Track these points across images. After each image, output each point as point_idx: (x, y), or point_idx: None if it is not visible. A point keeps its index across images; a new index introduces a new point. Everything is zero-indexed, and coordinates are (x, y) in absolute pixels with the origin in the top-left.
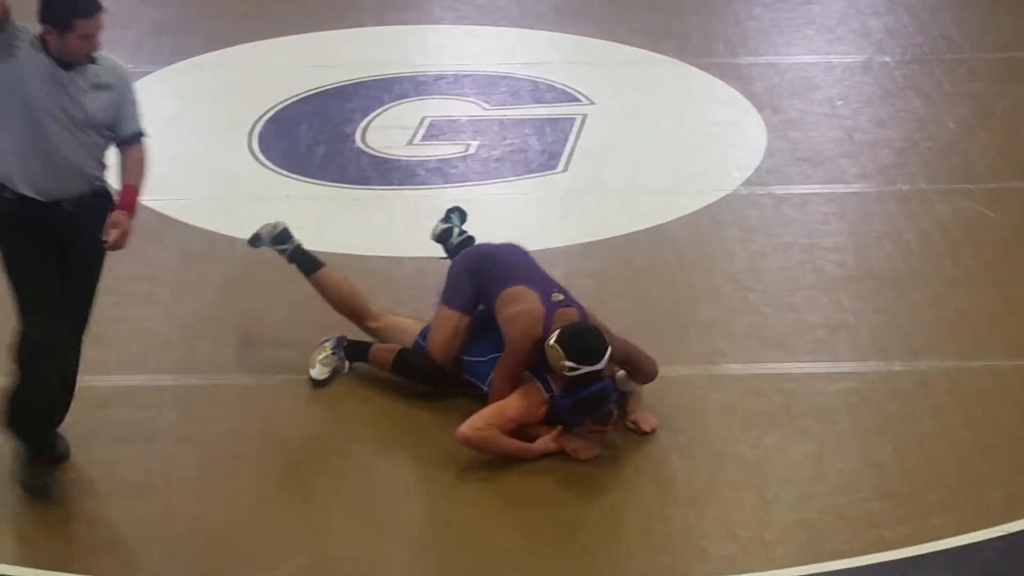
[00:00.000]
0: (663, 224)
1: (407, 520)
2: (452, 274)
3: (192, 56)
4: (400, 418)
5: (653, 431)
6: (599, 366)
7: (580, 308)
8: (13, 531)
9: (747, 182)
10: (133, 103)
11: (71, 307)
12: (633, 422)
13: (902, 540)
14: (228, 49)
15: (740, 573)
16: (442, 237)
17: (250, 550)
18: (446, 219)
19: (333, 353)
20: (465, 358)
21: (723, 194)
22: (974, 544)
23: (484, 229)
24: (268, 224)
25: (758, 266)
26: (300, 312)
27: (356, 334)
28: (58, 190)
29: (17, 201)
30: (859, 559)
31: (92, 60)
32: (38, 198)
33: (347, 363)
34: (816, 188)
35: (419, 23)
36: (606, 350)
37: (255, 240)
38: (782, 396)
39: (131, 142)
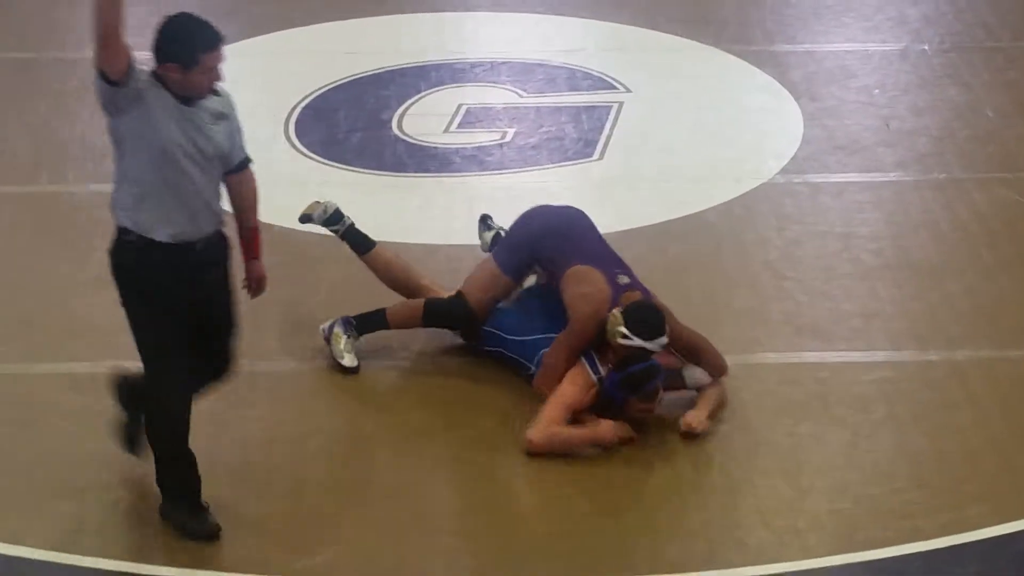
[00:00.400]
0: (699, 212)
1: (442, 506)
2: (511, 234)
3: (231, 42)
4: (434, 403)
5: (692, 432)
6: (652, 344)
7: (645, 290)
8: (52, 517)
9: (783, 170)
10: (240, 128)
11: (211, 346)
12: (687, 424)
13: (937, 530)
14: (267, 35)
15: (774, 562)
16: (495, 242)
17: (287, 537)
18: (487, 226)
19: (348, 336)
20: (512, 337)
21: (759, 182)
22: (1010, 534)
23: None
24: (319, 204)
25: (794, 254)
26: (339, 297)
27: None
28: (194, 231)
29: (146, 247)
30: (894, 549)
31: (215, 92)
32: (172, 242)
33: (361, 339)
34: (853, 177)
35: (456, 10)
36: (663, 331)
37: (305, 218)
38: (817, 385)
39: (241, 169)
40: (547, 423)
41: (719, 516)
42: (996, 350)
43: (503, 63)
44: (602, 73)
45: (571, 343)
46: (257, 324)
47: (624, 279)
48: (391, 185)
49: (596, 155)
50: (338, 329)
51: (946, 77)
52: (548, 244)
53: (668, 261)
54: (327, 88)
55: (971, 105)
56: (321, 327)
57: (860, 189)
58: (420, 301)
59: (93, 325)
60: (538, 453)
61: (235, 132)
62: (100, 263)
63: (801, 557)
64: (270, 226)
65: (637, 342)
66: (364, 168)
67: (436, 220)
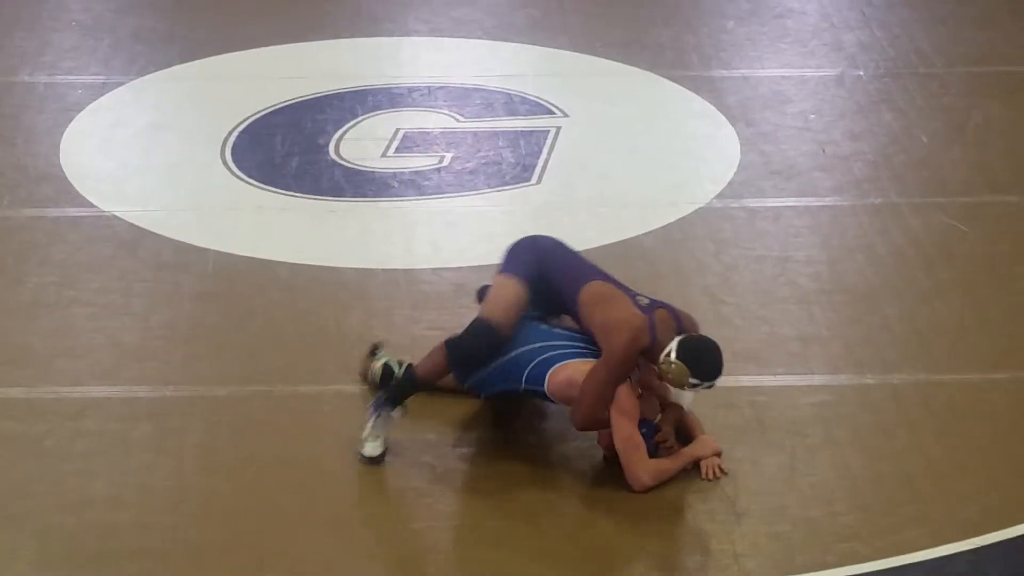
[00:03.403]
0: (636, 237)
1: (383, 536)
2: (514, 252)
3: (167, 67)
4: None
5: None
6: (716, 383)
7: (669, 308)
8: (19, 551)
9: (720, 195)
10: None
11: None
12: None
13: (875, 553)
14: (203, 60)
15: None
16: (384, 372)
17: (224, 563)
18: (375, 356)
19: (377, 416)
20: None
21: (696, 207)
22: (946, 556)
23: (458, 241)
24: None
25: (731, 279)
26: (274, 323)
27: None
28: None
29: None
30: (832, 572)
31: None
32: None
33: (399, 409)
34: (789, 201)
35: (393, 35)
36: (722, 366)
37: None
38: (754, 409)
39: None
40: (642, 462)
41: (655, 540)
42: (932, 374)
43: (440, 87)
44: (539, 98)
45: (614, 373)
46: (193, 349)
47: (643, 299)
48: (329, 210)
49: (534, 180)
50: (369, 412)
51: (882, 103)
52: (559, 258)
53: None
54: (263, 113)
55: (906, 130)
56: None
57: (797, 214)
58: (440, 344)
59: (29, 351)
60: (648, 489)
61: None
62: (34, 288)
63: None
64: (207, 251)
65: (704, 386)
66: (301, 193)
67: (374, 245)
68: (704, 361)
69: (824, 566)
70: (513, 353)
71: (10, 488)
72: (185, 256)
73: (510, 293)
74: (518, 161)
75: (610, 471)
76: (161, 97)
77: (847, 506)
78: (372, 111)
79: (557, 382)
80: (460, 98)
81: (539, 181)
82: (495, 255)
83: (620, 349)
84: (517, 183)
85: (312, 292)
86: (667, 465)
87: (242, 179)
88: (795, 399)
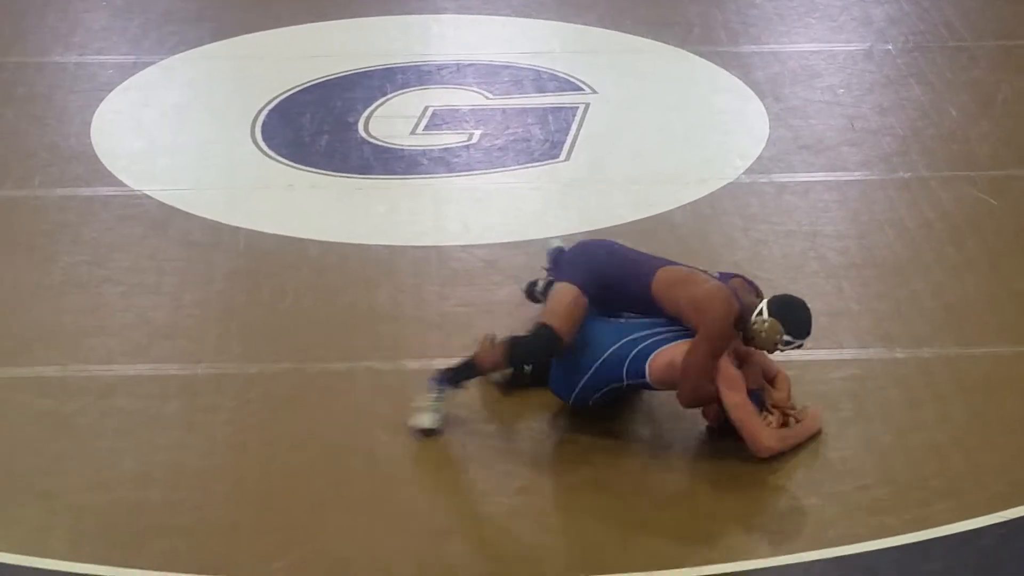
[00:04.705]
0: (666, 212)
1: (413, 513)
2: (569, 259)
3: (197, 46)
4: (406, 408)
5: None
6: (807, 340)
7: (742, 276)
8: (19, 521)
9: (749, 170)
10: None
11: None
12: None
13: (904, 526)
14: (233, 39)
15: (747, 559)
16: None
17: (253, 540)
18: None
19: (440, 392)
20: (590, 363)
21: (725, 182)
22: (976, 530)
23: (487, 218)
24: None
25: (760, 254)
26: (305, 301)
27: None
28: None
29: None
30: (863, 545)
31: None
32: None
33: (456, 389)
34: (818, 176)
35: (422, 12)
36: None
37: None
38: None
39: None
40: (763, 427)
41: (689, 515)
42: (962, 347)
43: (469, 65)
44: (568, 75)
45: (714, 345)
46: (224, 327)
47: (713, 275)
48: (358, 187)
49: (563, 156)
50: (431, 387)
51: (910, 76)
52: (618, 261)
53: None
54: (293, 91)
55: (935, 104)
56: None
57: (825, 188)
58: (505, 339)
59: (60, 329)
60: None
61: None
62: (65, 268)
63: (772, 555)
64: (237, 229)
65: (797, 343)
66: (331, 171)
67: (403, 222)
68: (797, 317)
69: (855, 539)
70: (604, 355)
71: (42, 466)
72: (216, 234)
73: (570, 299)
74: (547, 138)
75: (657, 452)
76: (191, 76)
77: (877, 479)
78: (401, 89)
79: (659, 368)
80: (489, 75)
81: (568, 158)
82: (524, 231)
83: (717, 320)
84: (546, 160)
85: (342, 270)
86: (790, 431)
87: (272, 157)
88: (825, 373)
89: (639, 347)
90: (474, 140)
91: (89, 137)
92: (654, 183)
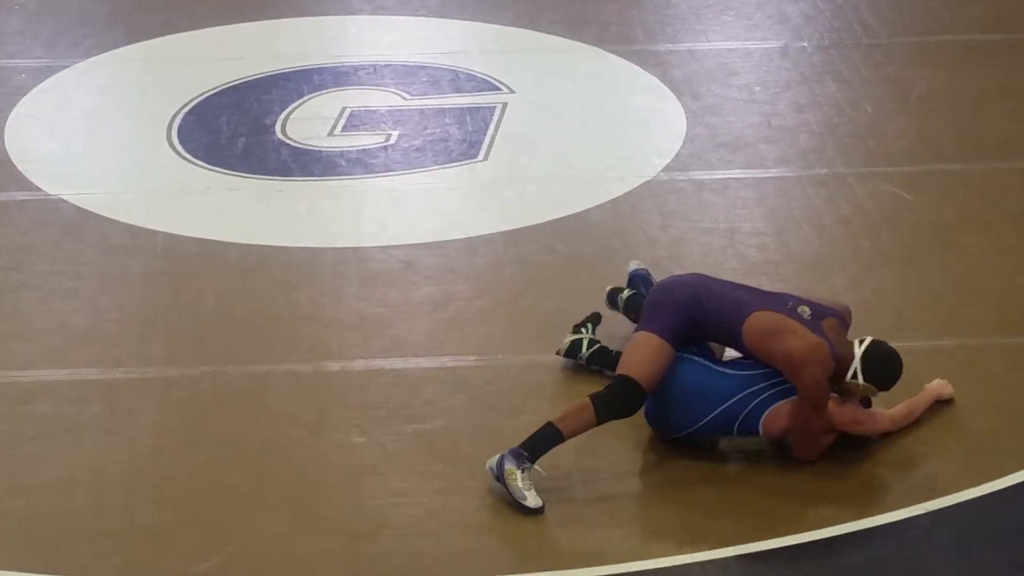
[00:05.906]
0: (585, 211)
1: (335, 514)
2: (654, 305)
3: (112, 49)
4: (329, 408)
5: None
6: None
7: (830, 311)
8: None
9: (667, 168)
10: None
11: None
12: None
13: (822, 521)
14: (148, 41)
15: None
16: (571, 352)
17: (177, 542)
18: (575, 330)
19: (523, 471)
20: (705, 414)
21: (644, 180)
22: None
23: (406, 219)
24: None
25: (680, 252)
26: (224, 304)
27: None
28: None
29: None
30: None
31: None
32: None
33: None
34: (736, 173)
35: (338, 13)
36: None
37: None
38: None
39: None
40: (875, 426)
41: (730, 496)
42: None
43: (386, 66)
44: (485, 75)
45: (816, 405)
46: (144, 331)
47: (804, 309)
48: (276, 189)
49: (481, 156)
50: (510, 465)
51: (826, 74)
52: (707, 305)
53: (557, 260)
54: (209, 94)
55: (851, 101)
56: (488, 465)
57: (743, 186)
58: (585, 400)
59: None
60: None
61: None
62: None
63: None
64: (155, 233)
65: (882, 393)
66: (249, 173)
67: (322, 224)
68: (890, 376)
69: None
70: (717, 411)
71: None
72: (133, 238)
73: (653, 350)
74: (465, 138)
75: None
76: (106, 79)
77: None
78: (318, 90)
79: (772, 429)
80: (406, 76)
81: (486, 157)
82: (443, 232)
83: (814, 385)
84: (464, 159)
85: (261, 272)
86: (902, 411)
87: (189, 160)
88: None
89: (751, 404)
90: (392, 141)
91: (3, 142)
92: (573, 182)
